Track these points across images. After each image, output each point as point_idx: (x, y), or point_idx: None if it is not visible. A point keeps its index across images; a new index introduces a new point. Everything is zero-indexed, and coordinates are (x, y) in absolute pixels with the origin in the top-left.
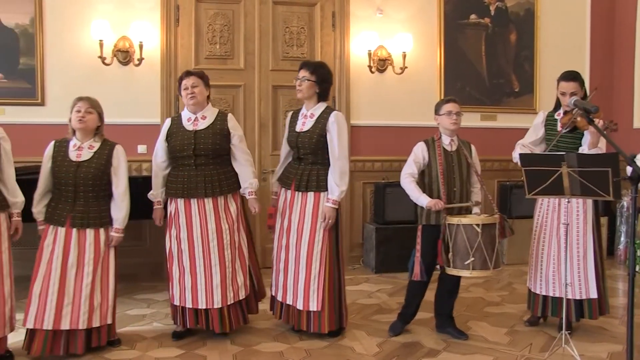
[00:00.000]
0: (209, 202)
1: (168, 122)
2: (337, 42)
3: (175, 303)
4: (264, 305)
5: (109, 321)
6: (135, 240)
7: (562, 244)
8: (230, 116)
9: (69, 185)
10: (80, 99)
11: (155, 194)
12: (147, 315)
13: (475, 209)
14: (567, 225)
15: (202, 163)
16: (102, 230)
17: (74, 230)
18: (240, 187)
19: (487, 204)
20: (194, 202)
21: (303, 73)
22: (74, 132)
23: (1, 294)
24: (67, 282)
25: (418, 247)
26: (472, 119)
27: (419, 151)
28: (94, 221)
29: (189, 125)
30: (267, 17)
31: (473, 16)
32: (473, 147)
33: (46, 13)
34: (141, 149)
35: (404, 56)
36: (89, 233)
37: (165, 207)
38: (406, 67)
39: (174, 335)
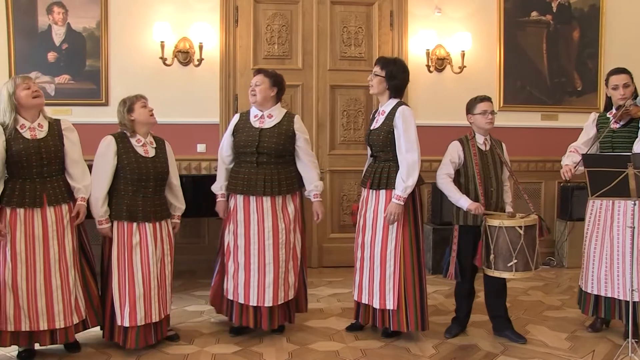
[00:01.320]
0: (267, 201)
1: (237, 117)
2: (395, 42)
3: (229, 297)
4: (319, 305)
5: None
6: (193, 237)
7: (617, 245)
8: (297, 118)
9: (150, 181)
10: (143, 96)
11: (219, 186)
12: (205, 311)
13: (509, 207)
14: (633, 228)
15: (264, 161)
16: (169, 221)
17: (157, 224)
18: (300, 188)
19: (524, 204)
20: (252, 200)
21: (375, 68)
22: (133, 128)
23: (66, 284)
24: (159, 275)
25: (454, 247)
26: (532, 119)
27: (454, 150)
28: (166, 212)
29: (255, 122)
30: (325, 17)
31: (534, 13)
32: (504, 146)
33: (111, 17)
34: (200, 147)
35: (463, 55)
36: (164, 225)
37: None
38: (465, 66)
39: (231, 331)
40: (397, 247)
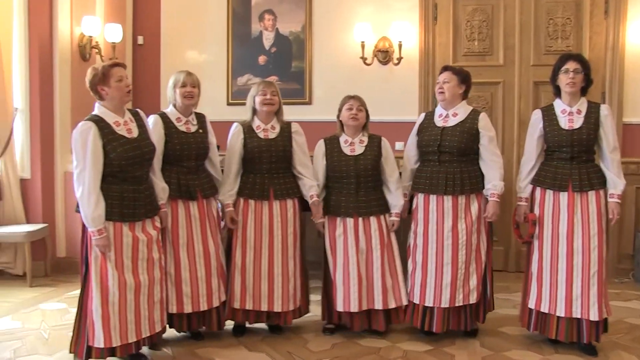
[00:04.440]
0: (447, 200)
1: (422, 116)
2: (610, 32)
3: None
4: (516, 311)
5: (405, 302)
6: None
7: None
8: (482, 115)
9: (351, 178)
10: (351, 97)
11: (404, 187)
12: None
13: None
14: None
15: (446, 160)
16: (382, 217)
17: (360, 219)
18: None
19: None
20: (432, 199)
21: (574, 65)
22: (342, 128)
23: (286, 272)
24: (360, 267)
25: None
26: None
27: None
28: (376, 209)
29: (439, 121)
30: (529, 10)
31: None
32: None
33: (315, 20)
34: (399, 145)
35: None
36: (373, 220)
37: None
38: None
39: (422, 331)
40: (605, 250)
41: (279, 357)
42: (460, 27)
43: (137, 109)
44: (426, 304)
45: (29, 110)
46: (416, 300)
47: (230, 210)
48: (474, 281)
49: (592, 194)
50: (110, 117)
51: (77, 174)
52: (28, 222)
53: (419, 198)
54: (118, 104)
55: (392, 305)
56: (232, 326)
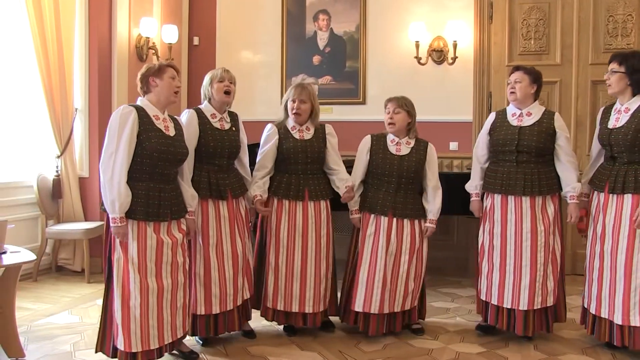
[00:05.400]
0: (526, 201)
1: (493, 115)
2: None
3: (481, 297)
4: (571, 314)
5: (415, 303)
6: (443, 234)
7: None
8: (557, 116)
9: (393, 177)
10: (389, 100)
11: (474, 185)
12: (451, 309)
13: None
14: None
15: (523, 160)
16: (416, 222)
17: (394, 220)
18: (560, 189)
19: None
20: (511, 199)
21: (611, 65)
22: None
23: (318, 274)
24: (387, 269)
25: None
26: None
27: None
28: (412, 212)
29: (513, 121)
30: (588, 7)
31: None
32: None
33: (369, 20)
34: (453, 145)
35: None
36: (406, 223)
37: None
38: None
39: (478, 328)
40: None
41: (331, 357)
42: (516, 26)
43: (176, 116)
44: (504, 306)
45: (88, 111)
46: (494, 301)
47: (260, 199)
48: (551, 283)
49: (628, 197)
50: (151, 110)
51: (107, 156)
52: (86, 219)
53: (495, 198)
54: (163, 100)
55: (408, 307)
56: (254, 327)
